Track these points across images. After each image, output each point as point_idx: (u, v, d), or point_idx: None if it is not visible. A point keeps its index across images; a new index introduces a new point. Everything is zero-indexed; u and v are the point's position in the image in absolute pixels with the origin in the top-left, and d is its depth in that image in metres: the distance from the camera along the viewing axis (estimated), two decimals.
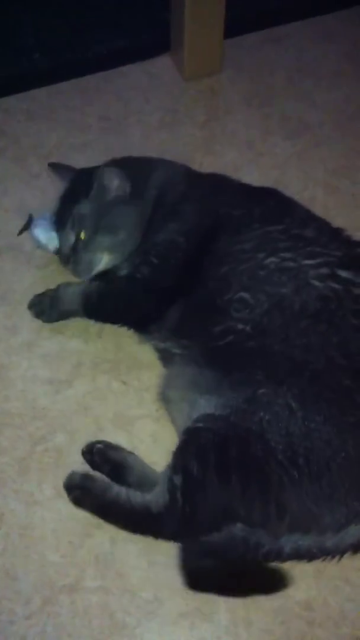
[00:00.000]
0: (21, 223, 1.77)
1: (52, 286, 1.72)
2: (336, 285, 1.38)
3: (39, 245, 1.73)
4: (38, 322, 1.69)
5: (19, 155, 2.01)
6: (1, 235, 1.85)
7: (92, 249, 1.61)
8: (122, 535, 1.42)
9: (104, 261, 1.62)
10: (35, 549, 1.41)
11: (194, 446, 1.32)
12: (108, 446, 1.49)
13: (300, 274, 1.40)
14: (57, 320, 1.68)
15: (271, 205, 1.57)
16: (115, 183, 1.60)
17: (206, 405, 1.37)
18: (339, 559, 1.31)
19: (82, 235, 1.60)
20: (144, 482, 1.45)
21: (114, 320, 1.64)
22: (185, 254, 1.55)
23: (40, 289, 1.72)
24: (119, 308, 1.62)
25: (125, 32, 2.28)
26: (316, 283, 1.39)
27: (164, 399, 1.53)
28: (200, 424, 1.34)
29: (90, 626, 1.34)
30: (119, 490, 1.39)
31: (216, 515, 1.31)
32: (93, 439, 1.53)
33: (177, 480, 1.31)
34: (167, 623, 1.35)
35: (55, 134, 2.05)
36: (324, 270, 1.40)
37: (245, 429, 1.29)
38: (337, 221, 1.64)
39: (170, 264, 1.56)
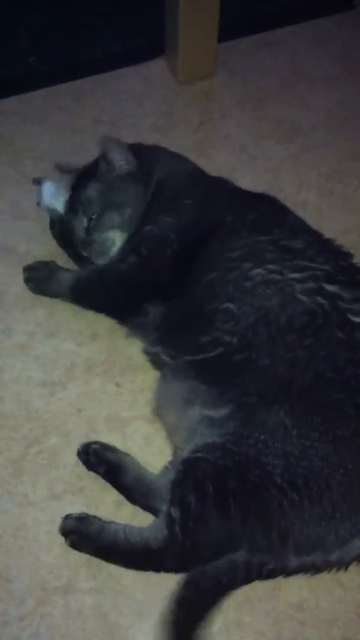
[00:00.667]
0: (16, 224, 1.77)
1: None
2: (322, 300, 1.37)
3: (44, 206, 1.73)
4: (32, 325, 1.70)
5: (13, 158, 2.01)
6: None
7: (103, 228, 1.61)
8: None
9: (117, 240, 1.62)
10: (29, 550, 1.42)
11: (191, 478, 1.30)
12: (104, 447, 1.49)
13: (286, 287, 1.39)
14: (41, 293, 1.72)
15: (263, 213, 1.56)
16: (118, 155, 1.61)
17: (204, 431, 1.35)
18: (345, 570, 1.31)
19: (93, 218, 1.61)
20: (140, 483, 1.45)
21: (96, 308, 1.66)
22: (174, 251, 1.54)
23: None
24: (101, 295, 1.64)
25: (120, 35, 2.29)
26: (302, 297, 1.38)
27: (159, 415, 1.52)
28: (199, 454, 1.32)
29: (84, 627, 1.34)
30: (115, 529, 1.37)
31: (217, 546, 1.30)
32: (87, 440, 1.53)
33: (175, 514, 1.29)
34: (160, 624, 1.35)
35: (49, 136, 2.05)
36: (310, 285, 1.39)
37: (243, 455, 1.27)
38: (330, 224, 1.66)
39: (158, 258, 1.55)
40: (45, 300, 1.73)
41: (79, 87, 2.18)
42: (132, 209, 1.61)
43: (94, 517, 1.40)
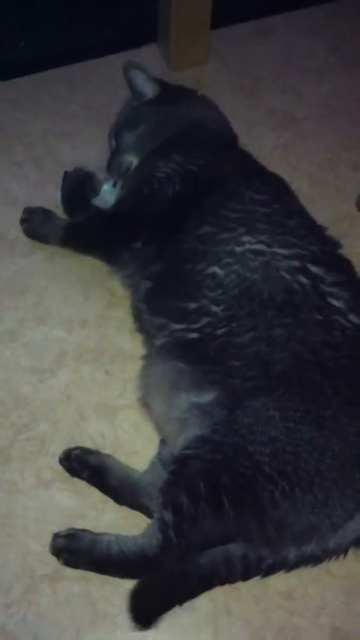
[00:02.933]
0: (5, 211, 1.76)
1: (36, 276, 1.74)
2: (305, 280, 1.38)
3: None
4: (21, 312, 1.69)
5: (3, 144, 1.99)
6: None
7: (122, 150, 1.74)
8: (104, 525, 1.42)
9: (129, 161, 1.73)
10: (17, 538, 1.41)
11: (182, 478, 1.28)
12: (85, 451, 1.48)
13: (272, 261, 1.40)
14: (32, 236, 1.77)
15: (268, 187, 1.57)
16: (140, 84, 1.71)
17: (195, 421, 1.34)
18: (344, 556, 1.31)
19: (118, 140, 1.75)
20: (125, 483, 1.44)
21: (89, 247, 1.70)
22: (175, 193, 1.56)
23: (24, 278, 1.73)
24: (96, 235, 1.68)
25: (112, 21, 2.27)
26: (286, 275, 1.39)
27: (145, 405, 1.49)
28: (188, 451, 1.30)
29: (72, 615, 1.34)
30: (108, 541, 1.34)
31: (213, 544, 1.29)
32: (76, 428, 1.53)
33: (168, 517, 1.27)
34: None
35: (40, 122, 2.04)
36: (295, 263, 1.40)
37: (231, 446, 1.26)
38: (321, 213, 1.65)
39: (158, 197, 1.58)
40: (35, 287, 1.72)
41: (69, 73, 2.17)
42: (146, 127, 1.70)
43: (83, 530, 1.38)
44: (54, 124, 2.04)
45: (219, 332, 1.38)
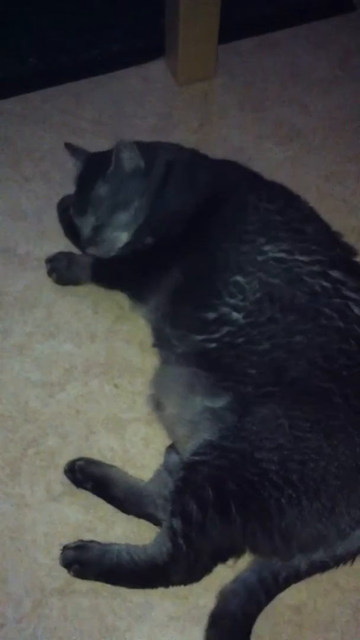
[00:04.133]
0: (15, 225, 1.77)
1: (46, 290, 1.75)
2: (327, 284, 1.38)
3: None
4: (30, 326, 1.70)
5: (12, 159, 2.01)
6: None
7: (113, 228, 1.63)
8: (113, 537, 1.43)
9: (124, 238, 1.64)
10: (26, 552, 1.42)
11: (191, 485, 1.28)
12: (89, 462, 1.49)
13: (295, 268, 1.41)
14: (65, 283, 1.74)
15: (279, 194, 1.59)
16: (131, 156, 1.62)
17: (206, 425, 1.35)
18: (352, 563, 1.31)
19: (100, 217, 1.62)
20: (130, 493, 1.45)
21: (115, 286, 1.68)
22: (190, 221, 1.55)
23: (33, 293, 1.74)
24: (120, 273, 1.66)
25: (120, 36, 2.28)
26: (308, 279, 1.39)
27: (158, 404, 1.50)
28: (196, 457, 1.30)
29: (81, 629, 1.34)
30: (118, 550, 1.36)
31: (221, 553, 1.30)
32: (85, 442, 1.53)
33: (177, 525, 1.28)
34: (157, 626, 1.35)
35: (49, 137, 2.05)
36: (316, 268, 1.41)
37: (239, 452, 1.26)
38: None
39: (175, 233, 1.57)
40: (44, 301, 1.73)
41: (78, 88, 2.18)
42: (139, 203, 1.63)
43: (92, 542, 1.39)
44: (62, 139, 2.02)
45: (238, 340, 1.39)
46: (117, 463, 1.51)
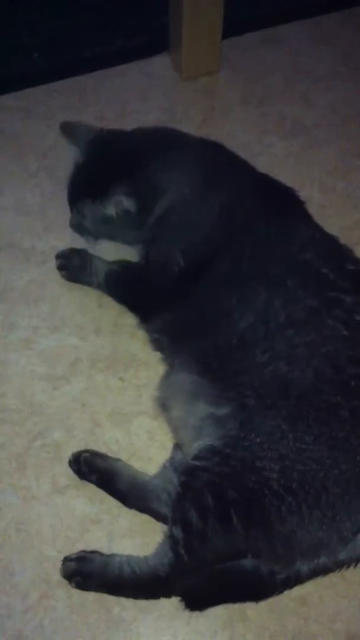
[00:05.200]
0: (20, 220, 1.77)
1: (50, 284, 1.75)
2: (325, 302, 1.34)
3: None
4: (35, 320, 1.70)
5: (16, 154, 2.01)
6: None
7: (95, 236, 1.70)
8: (120, 530, 1.43)
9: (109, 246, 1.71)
10: (33, 544, 1.42)
11: (191, 492, 1.27)
12: (94, 454, 1.49)
13: (293, 299, 1.36)
14: (73, 280, 1.75)
15: (273, 229, 1.49)
16: (122, 210, 1.61)
17: (209, 431, 1.34)
18: (355, 567, 1.31)
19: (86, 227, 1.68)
20: (134, 486, 1.45)
21: (122, 303, 1.68)
22: (181, 271, 1.52)
23: (38, 287, 1.74)
24: (125, 294, 1.67)
25: (124, 31, 2.29)
26: (306, 301, 1.35)
27: (164, 406, 1.50)
28: (197, 462, 1.29)
29: (87, 621, 1.35)
30: (120, 562, 1.35)
31: (223, 560, 1.30)
32: (90, 435, 1.54)
33: (178, 533, 1.26)
34: (163, 618, 1.35)
35: (52, 132, 2.05)
36: (315, 288, 1.37)
37: (239, 460, 1.25)
38: (332, 221, 1.66)
39: (165, 277, 1.54)
40: (49, 295, 1.74)
41: (82, 83, 2.18)
42: (123, 238, 1.69)
43: (93, 552, 1.38)
44: None
45: (235, 356, 1.37)
46: (123, 456, 1.52)
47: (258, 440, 1.25)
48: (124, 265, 1.69)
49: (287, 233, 1.49)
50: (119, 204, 1.60)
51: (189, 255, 1.52)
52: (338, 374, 1.28)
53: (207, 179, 1.60)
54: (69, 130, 1.73)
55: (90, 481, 1.47)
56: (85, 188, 1.65)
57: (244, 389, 1.33)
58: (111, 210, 1.62)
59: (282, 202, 1.58)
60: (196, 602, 1.33)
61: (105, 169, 1.64)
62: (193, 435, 1.38)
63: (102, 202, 1.62)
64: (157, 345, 1.59)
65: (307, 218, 1.58)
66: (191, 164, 1.64)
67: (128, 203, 1.59)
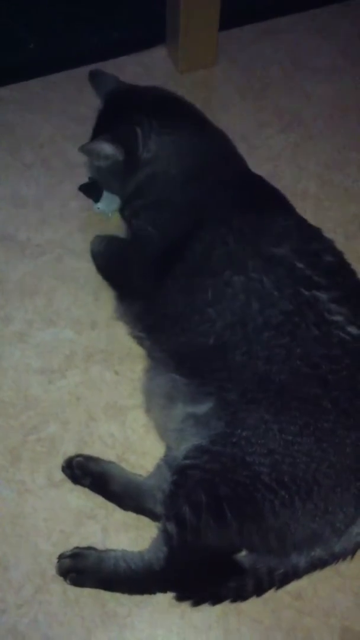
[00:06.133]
0: (15, 212, 1.76)
1: (46, 277, 1.75)
2: (300, 303, 1.34)
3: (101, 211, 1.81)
4: (31, 313, 1.69)
5: (13, 146, 2.00)
6: None
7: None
8: (114, 524, 1.43)
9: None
10: (27, 538, 1.42)
11: (183, 489, 1.28)
12: (87, 458, 1.48)
13: (266, 296, 1.36)
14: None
15: (251, 219, 1.48)
16: (105, 154, 1.63)
17: (191, 431, 1.34)
18: (351, 559, 1.31)
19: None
20: (128, 488, 1.45)
21: (105, 279, 1.68)
22: (158, 250, 1.52)
23: (33, 280, 1.74)
24: (108, 270, 1.67)
25: (121, 23, 2.28)
26: (280, 302, 1.35)
27: (147, 411, 1.50)
28: (187, 461, 1.30)
29: (82, 615, 1.35)
30: (115, 558, 1.35)
31: (217, 555, 1.29)
32: (85, 428, 1.53)
33: (172, 529, 1.27)
34: (158, 612, 1.35)
35: (49, 124, 2.05)
36: (289, 291, 1.36)
37: (229, 456, 1.25)
38: (329, 214, 1.65)
39: (145, 251, 1.55)
40: (44, 288, 1.73)
41: (79, 75, 2.16)
42: (117, 186, 1.71)
43: (88, 548, 1.38)
44: (63, 126, 2.04)
45: (213, 355, 1.37)
46: (118, 450, 1.51)
47: (244, 434, 1.26)
48: (113, 236, 1.69)
49: (263, 225, 1.48)
50: (100, 149, 1.63)
51: (164, 236, 1.52)
52: (314, 371, 1.29)
53: (195, 169, 1.60)
54: (95, 80, 1.80)
55: (84, 485, 1.46)
56: (93, 136, 1.71)
57: (224, 383, 1.33)
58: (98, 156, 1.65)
59: (261, 196, 1.58)
60: (191, 597, 1.33)
61: (109, 119, 1.69)
62: (176, 439, 1.38)
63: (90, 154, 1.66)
64: (138, 339, 1.58)
65: (287, 210, 1.57)
66: (186, 148, 1.65)
67: (110, 149, 1.62)
